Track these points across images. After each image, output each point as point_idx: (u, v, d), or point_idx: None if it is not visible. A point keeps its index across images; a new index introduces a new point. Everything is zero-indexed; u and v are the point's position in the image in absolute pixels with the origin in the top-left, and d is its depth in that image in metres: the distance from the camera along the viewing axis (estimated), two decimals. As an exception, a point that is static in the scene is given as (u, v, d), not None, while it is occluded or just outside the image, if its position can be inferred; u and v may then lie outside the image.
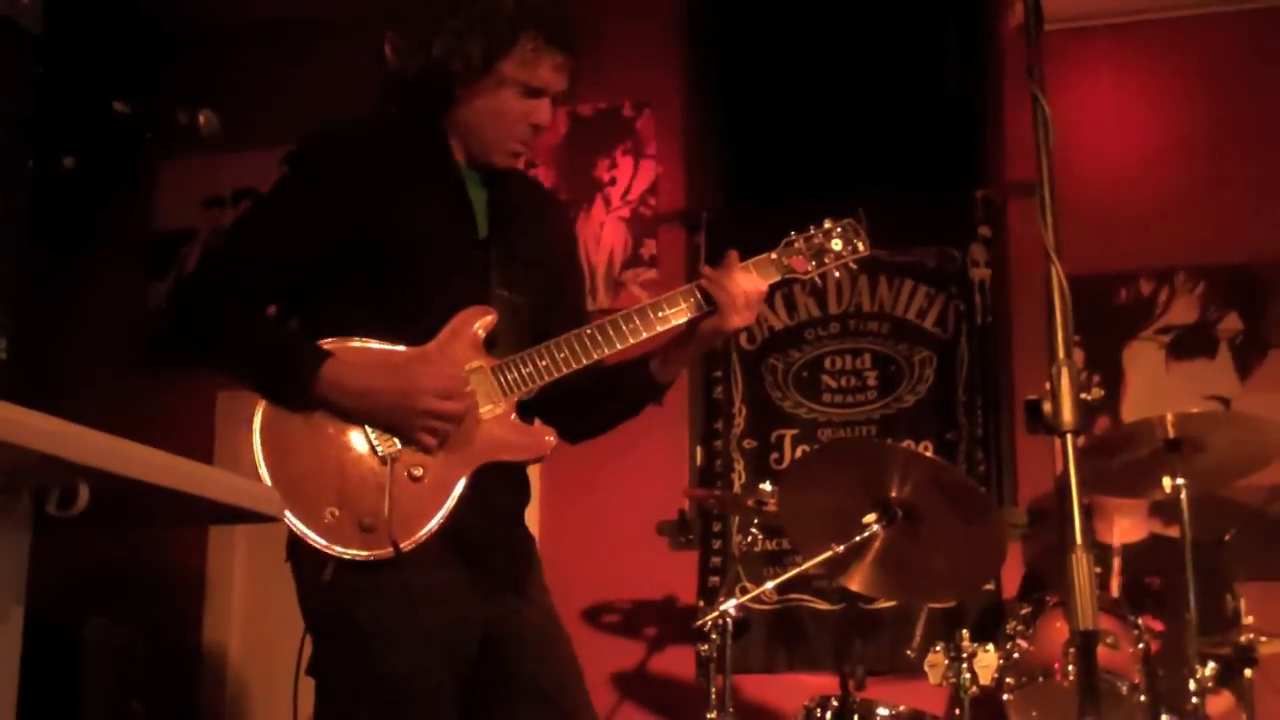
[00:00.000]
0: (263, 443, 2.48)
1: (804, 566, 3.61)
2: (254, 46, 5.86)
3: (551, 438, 2.60)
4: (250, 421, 2.51)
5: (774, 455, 5.16)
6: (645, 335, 2.61)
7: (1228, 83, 5.03)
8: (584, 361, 2.57)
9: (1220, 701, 3.77)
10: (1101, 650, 3.23)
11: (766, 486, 4.10)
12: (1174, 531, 3.81)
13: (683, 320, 2.62)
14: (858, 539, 3.44)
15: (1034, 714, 3.55)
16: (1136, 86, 5.14)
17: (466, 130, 2.64)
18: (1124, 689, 3.43)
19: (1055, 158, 2.00)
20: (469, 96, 2.62)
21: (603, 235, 5.45)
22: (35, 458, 2.26)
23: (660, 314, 2.61)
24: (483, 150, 2.64)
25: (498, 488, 2.58)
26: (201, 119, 3.28)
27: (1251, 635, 3.50)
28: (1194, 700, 3.40)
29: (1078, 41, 5.07)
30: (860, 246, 2.73)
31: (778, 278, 2.68)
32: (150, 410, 5.37)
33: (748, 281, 2.61)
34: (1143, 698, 3.44)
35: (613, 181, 5.50)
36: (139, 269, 5.93)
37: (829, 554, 3.44)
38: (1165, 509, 4.35)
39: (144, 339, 5.83)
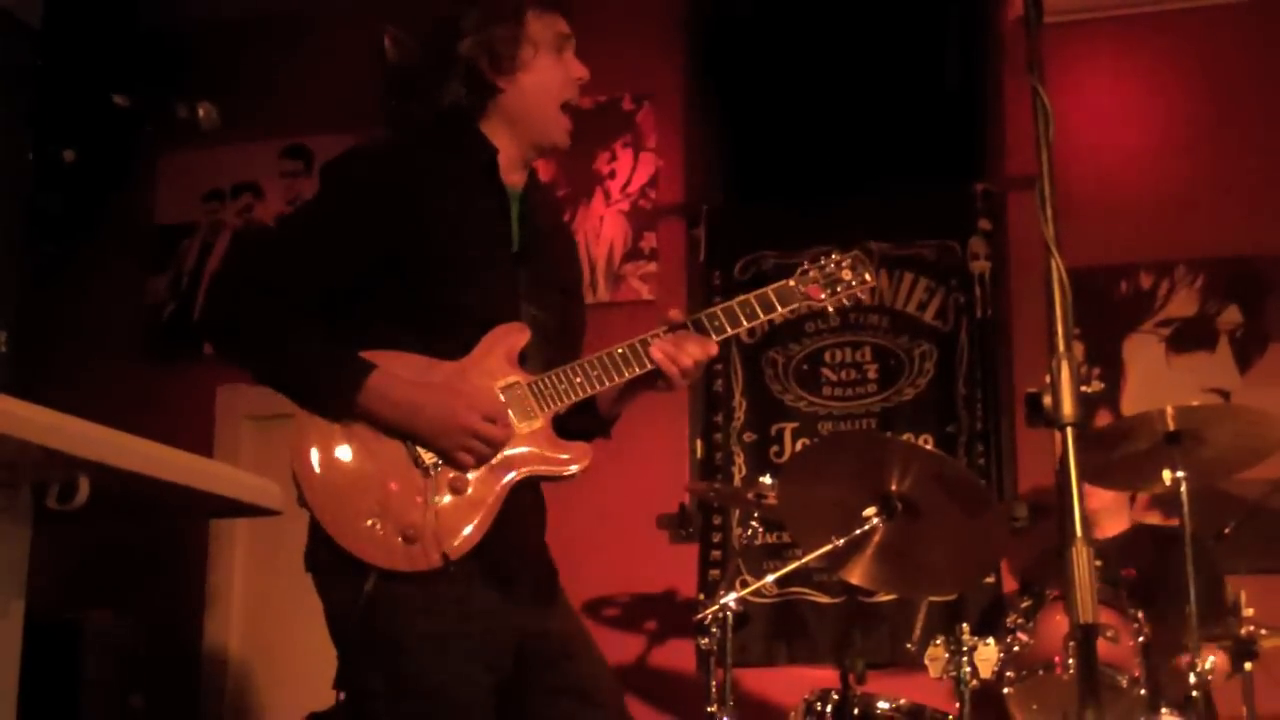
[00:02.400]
0: (307, 453, 2.47)
1: (804, 560, 3.60)
2: (253, 39, 5.86)
3: (587, 456, 2.59)
4: (295, 431, 2.49)
5: (774, 448, 5.16)
6: None
7: (1228, 75, 5.03)
8: (616, 379, 2.58)
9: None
10: (1101, 644, 3.24)
11: (766, 480, 4.10)
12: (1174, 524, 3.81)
13: None
14: (858, 532, 3.44)
15: (1034, 707, 3.55)
16: (1137, 79, 5.14)
17: (517, 117, 2.67)
18: (1124, 682, 3.44)
19: (1055, 151, 2.00)
20: (514, 78, 2.65)
21: (602, 228, 5.45)
22: (35, 451, 2.26)
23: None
24: (543, 132, 2.68)
25: (523, 502, 2.59)
26: (201, 112, 3.28)
27: (1252, 628, 3.50)
28: (1194, 693, 3.40)
29: (1078, 34, 5.07)
30: (868, 278, 2.75)
31: (796, 304, 2.69)
32: (150, 404, 5.38)
33: (699, 351, 2.59)
34: (1142, 691, 3.44)
35: (612, 174, 5.49)
36: (139, 262, 5.92)
37: (829, 547, 3.44)
38: (1164, 502, 4.35)
39: (144, 332, 5.84)
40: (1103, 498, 4.24)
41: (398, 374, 2.49)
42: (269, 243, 2.85)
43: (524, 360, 2.58)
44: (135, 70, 5.33)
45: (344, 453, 2.47)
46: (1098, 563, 1.86)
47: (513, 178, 2.70)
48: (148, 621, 4.81)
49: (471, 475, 2.50)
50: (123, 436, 2.48)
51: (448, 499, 2.47)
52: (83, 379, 5.46)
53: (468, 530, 2.47)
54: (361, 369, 2.47)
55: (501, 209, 2.66)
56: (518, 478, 2.54)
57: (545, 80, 2.66)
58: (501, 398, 2.53)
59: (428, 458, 2.48)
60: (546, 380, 2.56)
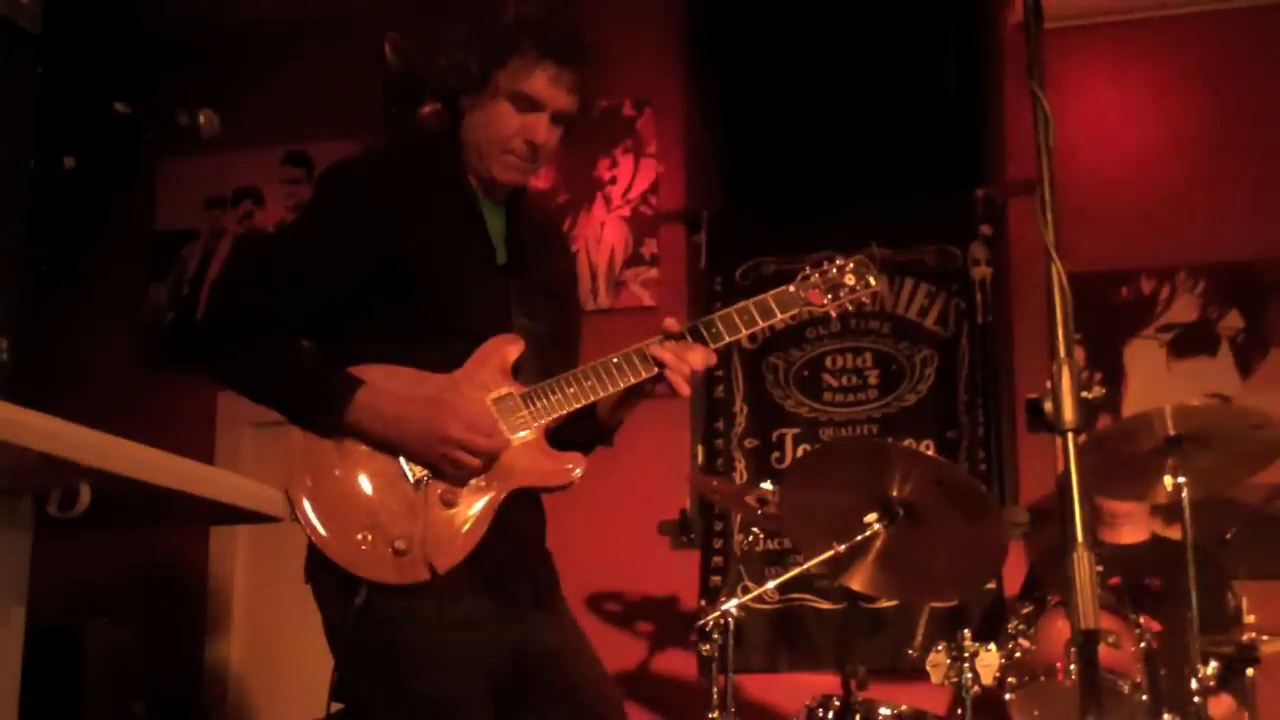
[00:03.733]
0: (299, 468, 2.48)
1: (805, 566, 3.60)
2: (254, 46, 5.86)
3: (580, 467, 2.59)
4: (287, 447, 2.51)
5: (775, 454, 5.16)
6: None
7: (1228, 80, 5.03)
8: (609, 389, 2.57)
9: (1221, 704, 3.77)
10: (1103, 649, 3.24)
11: (768, 485, 4.10)
12: (1174, 532, 3.81)
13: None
14: (859, 538, 3.44)
15: (1036, 713, 3.55)
16: (1137, 84, 5.14)
17: (469, 144, 2.65)
18: (1125, 688, 3.43)
19: (1056, 156, 2.00)
20: (470, 108, 2.63)
21: (603, 234, 5.45)
22: (36, 458, 2.26)
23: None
24: (483, 163, 2.64)
25: (521, 511, 2.59)
26: (202, 119, 3.28)
27: (1253, 634, 3.49)
28: (1195, 700, 3.39)
29: (1078, 39, 5.07)
30: (872, 281, 2.72)
31: (796, 310, 2.68)
32: (151, 410, 5.37)
33: (697, 358, 2.58)
34: (1144, 697, 3.43)
35: (613, 180, 5.50)
36: (140, 269, 5.93)
37: (830, 553, 3.44)
38: (1165, 507, 4.35)
39: (145, 339, 5.84)
40: (1128, 503, 4.25)
41: (387, 388, 2.49)
42: (256, 261, 2.85)
43: (518, 371, 2.58)
44: (136, 77, 5.34)
45: (335, 468, 2.48)
46: (1099, 567, 1.85)
47: (493, 192, 2.70)
48: (149, 629, 4.80)
49: (462, 488, 2.50)
50: (124, 443, 2.48)
51: (438, 512, 2.47)
52: (84, 386, 5.47)
53: (457, 543, 2.47)
54: (349, 385, 2.48)
55: (477, 224, 2.66)
56: (509, 489, 2.53)
57: (495, 122, 2.60)
58: (493, 409, 2.53)
59: (417, 471, 2.48)
60: (539, 391, 2.56)
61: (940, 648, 3.60)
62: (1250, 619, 3.52)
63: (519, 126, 2.60)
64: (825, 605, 4.94)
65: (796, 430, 5.17)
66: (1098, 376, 4.84)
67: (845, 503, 3.51)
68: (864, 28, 5.26)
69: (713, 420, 5.24)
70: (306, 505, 2.46)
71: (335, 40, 5.76)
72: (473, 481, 2.50)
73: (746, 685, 4.71)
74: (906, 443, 4.83)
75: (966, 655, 3.54)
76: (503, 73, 2.58)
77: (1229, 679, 3.48)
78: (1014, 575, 4.55)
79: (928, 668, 3.60)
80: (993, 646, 3.56)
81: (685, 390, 2.57)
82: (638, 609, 5.12)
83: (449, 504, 2.48)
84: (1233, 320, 4.86)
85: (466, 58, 2.58)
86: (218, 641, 5.58)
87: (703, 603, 4.93)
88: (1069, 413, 1.87)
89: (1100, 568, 1.88)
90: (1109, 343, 4.92)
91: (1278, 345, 4.81)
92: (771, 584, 3.84)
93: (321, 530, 2.45)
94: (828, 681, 4.60)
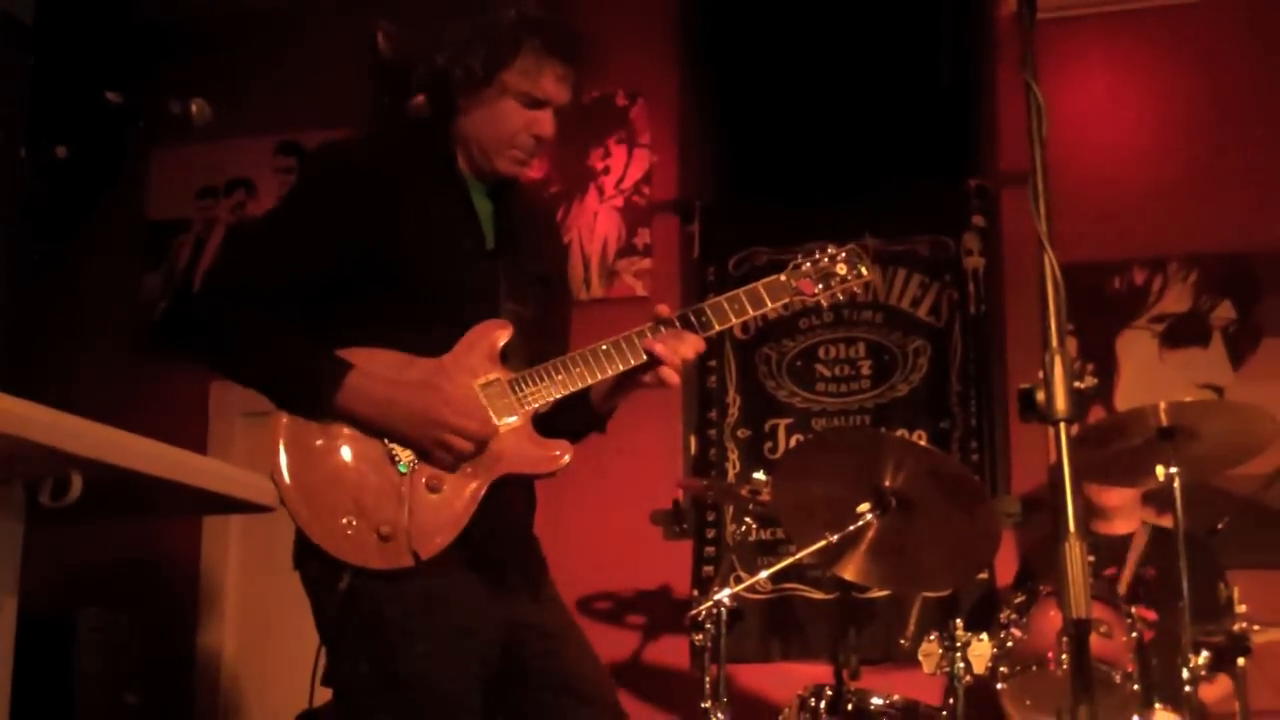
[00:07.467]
0: (284, 451, 2.48)
1: (798, 556, 3.61)
2: (246, 35, 5.84)
3: (567, 454, 2.58)
4: (272, 430, 2.50)
5: (768, 444, 5.16)
6: None
7: (1221, 70, 5.03)
8: (599, 376, 2.57)
9: (1216, 688, 3.78)
10: (1095, 639, 3.24)
11: (760, 476, 4.10)
12: (1166, 521, 3.82)
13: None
14: (852, 528, 3.44)
15: (1028, 703, 3.56)
16: (1130, 74, 5.15)
17: (470, 139, 2.65)
18: (1117, 678, 3.44)
19: (1048, 146, 2.00)
20: (471, 106, 2.62)
21: (596, 224, 5.45)
22: (28, 447, 2.25)
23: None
24: (486, 158, 2.64)
25: (509, 497, 2.59)
26: (194, 108, 3.27)
27: (1245, 624, 3.50)
28: (1187, 689, 3.40)
29: (1071, 30, 5.07)
30: (864, 271, 2.72)
31: (787, 299, 2.68)
32: (143, 400, 5.37)
33: (687, 348, 2.58)
34: (1136, 687, 3.44)
35: (606, 170, 5.49)
36: (132, 259, 5.91)
37: (823, 543, 3.44)
38: (1157, 498, 4.36)
39: (138, 328, 5.83)
40: (1123, 495, 4.25)
41: (375, 372, 2.49)
42: (242, 245, 2.85)
43: (506, 357, 2.58)
44: (128, 66, 5.32)
45: (321, 451, 2.48)
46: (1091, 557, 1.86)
47: (483, 178, 2.69)
48: (142, 618, 4.80)
49: (449, 474, 2.50)
50: (116, 433, 2.47)
51: (424, 498, 2.47)
52: (76, 375, 5.46)
53: (442, 529, 2.47)
54: (339, 368, 2.48)
55: (465, 208, 2.66)
56: (495, 476, 2.53)
57: (501, 120, 2.61)
58: (481, 395, 2.53)
59: (404, 456, 2.48)
60: (527, 377, 2.56)
61: (932, 637, 3.60)
62: (1242, 609, 3.52)
63: (526, 123, 2.62)
64: (818, 595, 4.95)
65: (789, 420, 5.17)
66: (1090, 367, 4.80)
67: (838, 493, 3.51)
68: (857, 17, 5.25)
69: (705, 410, 5.24)
70: (291, 489, 2.47)
71: (328, 29, 5.75)
72: (460, 467, 2.50)
73: (739, 675, 4.70)
74: (899, 433, 4.83)
75: (959, 645, 3.54)
76: (508, 72, 2.58)
77: (1222, 667, 3.49)
78: (1006, 565, 4.56)
79: (920, 657, 3.61)
80: (985, 636, 3.56)
81: (675, 381, 2.57)
82: (630, 599, 5.12)
83: (435, 490, 2.48)
84: (1225, 311, 4.86)
85: (469, 57, 2.58)
86: (210, 631, 5.58)
87: (695, 592, 4.93)
88: (1061, 403, 1.87)
89: (1092, 558, 1.89)
90: (1101, 333, 4.92)
91: (1269, 336, 4.81)
92: (764, 574, 3.84)
93: (306, 515, 2.46)
94: (820, 671, 4.60)
